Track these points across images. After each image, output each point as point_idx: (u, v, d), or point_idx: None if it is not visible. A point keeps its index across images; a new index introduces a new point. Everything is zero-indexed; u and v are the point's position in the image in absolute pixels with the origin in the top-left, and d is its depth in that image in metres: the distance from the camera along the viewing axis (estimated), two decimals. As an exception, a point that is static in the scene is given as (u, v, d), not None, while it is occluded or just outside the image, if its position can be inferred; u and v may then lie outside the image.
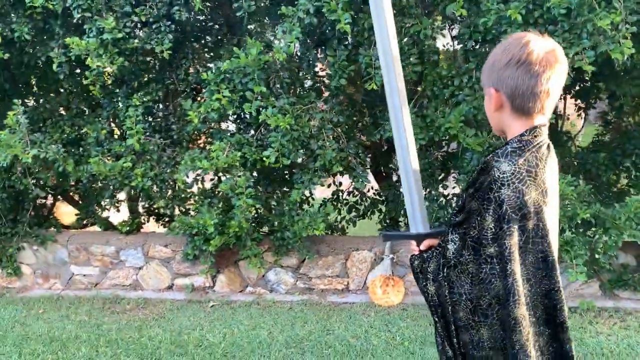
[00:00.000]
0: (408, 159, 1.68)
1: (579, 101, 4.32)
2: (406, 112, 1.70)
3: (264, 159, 3.21)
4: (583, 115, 4.46)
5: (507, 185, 1.37)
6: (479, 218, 1.41)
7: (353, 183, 4.00)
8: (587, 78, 2.88)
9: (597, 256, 3.34)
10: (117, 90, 3.64)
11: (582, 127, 4.54)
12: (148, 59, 3.59)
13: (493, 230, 1.40)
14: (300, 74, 3.59)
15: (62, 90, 3.95)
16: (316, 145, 3.31)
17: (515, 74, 1.38)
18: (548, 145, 1.45)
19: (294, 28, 2.93)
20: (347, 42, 3.26)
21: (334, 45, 3.23)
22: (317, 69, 3.67)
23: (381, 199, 4.31)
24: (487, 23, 2.68)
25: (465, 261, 1.47)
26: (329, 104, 3.38)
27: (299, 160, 3.40)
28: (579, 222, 3.23)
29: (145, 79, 3.67)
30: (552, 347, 1.53)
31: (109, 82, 3.58)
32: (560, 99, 4.33)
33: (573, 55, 2.64)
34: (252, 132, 3.46)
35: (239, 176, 3.29)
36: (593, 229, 3.50)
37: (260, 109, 3.20)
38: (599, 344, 3.10)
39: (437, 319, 1.61)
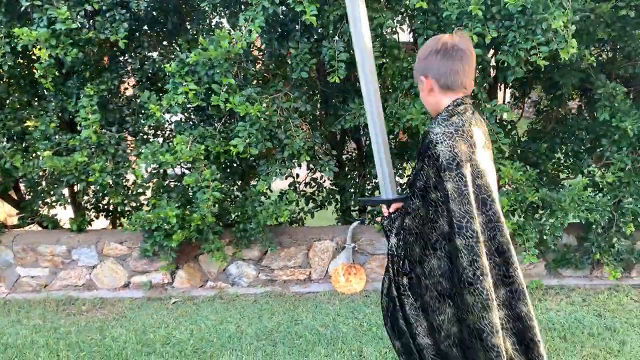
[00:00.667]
0: (381, 137, 2.03)
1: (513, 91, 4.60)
2: (378, 97, 2.02)
3: (231, 148, 3.16)
4: (520, 104, 4.73)
5: (440, 142, 1.73)
6: (422, 172, 1.76)
7: (315, 174, 4.05)
8: (529, 70, 3.07)
9: (544, 237, 3.57)
10: (67, 81, 3.46)
11: (521, 116, 4.80)
12: (104, 46, 3.44)
13: (434, 179, 1.74)
14: (263, 64, 3.57)
15: (1, 81, 3.69)
16: (284, 135, 3.31)
17: (436, 61, 1.79)
18: (473, 112, 1.85)
19: (257, 16, 2.90)
20: (309, 35, 3.27)
21: (297, 38, 3.23)
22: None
23: (337, 189, 4.37)
24: (450, 16, 2.78)
25: (417, 207, 1.80)
26: (294, 93, 3.38)
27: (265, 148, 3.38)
28: (528, 205, 3.44)
29: (98, 69, 3.50)
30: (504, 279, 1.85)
31: (57, 73, 3.39)
32: (500, 89, 4.57)
33: (528, 49, 2.80)
34: (215, 124, 3.40)
35: (203, 169, 3.23)
36: (540, 211, 3.73)
37: (227, 100, 3.15)
38: (550, 319, 3.32)
39: (390, 265, 1.95)
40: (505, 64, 2.96)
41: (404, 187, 3.87)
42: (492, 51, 3.66)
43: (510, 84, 4.42)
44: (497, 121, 3.70)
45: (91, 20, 3.26)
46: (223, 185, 3.56)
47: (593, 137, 3.96)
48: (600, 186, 3.96)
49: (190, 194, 3.50)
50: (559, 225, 3.48)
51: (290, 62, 3.42)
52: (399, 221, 1.93)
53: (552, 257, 3.90)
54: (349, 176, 4.39)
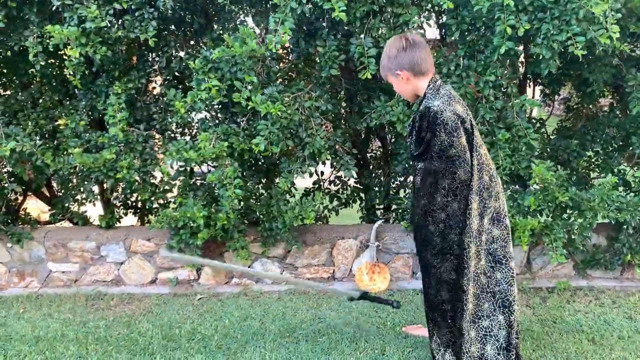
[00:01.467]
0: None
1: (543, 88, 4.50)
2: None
3: (253, 147, 3.19)
4: (549, 101, 4.64)
5: (444, 110, 2.24)
6: (435, 139, 2.24)
7: (339, 172, 4.04)
8: (553, 70, 3.01)
9: (573, 237, 3.50)
10: (96, 80, 3.53)
11: (550, 113, 4.71)
12: (132, 45, 3.50)
13: (447, 140, 2.24)
14: (288, 63, 3.58)
15: (34, 81, 3.78)
16: (305, 134, 3.32)
17: (406, 55, 2.32)
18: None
19: (287, 18, 2.91)
20: (335, 32, 3.27)
21: (324, 35, 3.23)
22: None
23: (361, 187, 4.37)
24: (481, 10, 2.75)
25: (437, 165, 2.29)
26: (317, 92, 3.39)
27: (287, 147, 3.40)
28: (557, 205, 3.38)
29: (126, 67, 3.56)
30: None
31: (87, 72, 3.45)
32: (529, 86, 4.49)
33: (564, 40, 2.75)
34: (239, 121, 3.42)
35: (227, 166, 3.26)
36: (569, 211, 3.66)
37: (249, 98, 3.17)
38: (578, 321, 3.25)
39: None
40: (540, 57, 2.91)
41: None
42: (521, 46, 3.60)
43: (540, 81, 4.35)
44: (527, 118, 3.62)
45: (120, 19, 3.30)
46: (248, 183, 3.59)
47: (624, 134, 3.86)
48: (632, 185, 3.87)
49: (216, 192, 3.54)
50: (588, 225, 3.41)
51: (318, 60, 3.43)
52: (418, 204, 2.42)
53: (580, 257, 3.82)
54: (373, 174, 4.38)
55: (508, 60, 3.17)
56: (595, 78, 3.47)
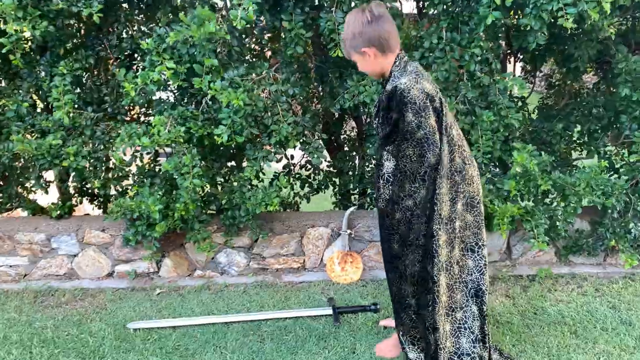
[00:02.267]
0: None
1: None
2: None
3: (215, 137, 2.92)
4: (531, 78, 4.43)
5: (411, 88, 2.06)
6: (402, 118, 2.06)
7: (308, 157, 3.80)
8: (541, 42, 2.78)
9: (557, 224, 3.31)
10: (40, 59, 3.22)
11: (532, 90, 4.49)
12: (74, 22, 3.18)
13: (415, 121, 2.07)
14: (250, 41, 3.30)
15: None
16: (270, 121, 3.06)
17: (371, 30, 2.09)
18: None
19: None
20: (302, 5, 2.98)
21: (290, 9, 2.95)
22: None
23: (334, 171, 4.13)
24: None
25: (404, 148, 2.11)
26: (283, 74, 3.12)
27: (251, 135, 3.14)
28: (539, 191, 3.18)
29: (73, 45, 3.25)
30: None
31: (29, 49, 3.14)
32: (509, 62, 4.26)
33: (554, 10, 2.51)
34: (199, 103, 3.15)
35: (184, 154, 3.00)
36: (551, 195, 3.47)
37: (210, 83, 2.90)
38: (560, 312, 3.08)
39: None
40: (528, 28, 2.67)
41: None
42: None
43: (522, 57, 4.12)
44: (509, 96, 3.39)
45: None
46: (210, 170, 3.33)
47: (611, 114, 3.66)
48: (617, 167, 3.69)
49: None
50: (572, 211, 3.21)
51: (283, 37, 3.15)
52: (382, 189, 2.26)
53: (562, 243, 3.64)
54: (347, 157, 4.14)
55: (495, 31, 2.92)
56: (580, 54, 3.25)
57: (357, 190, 4.11)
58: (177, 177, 2.98)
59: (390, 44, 2.13)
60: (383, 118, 2.19)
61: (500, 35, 3.02)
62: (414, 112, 2.05)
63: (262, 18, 3.15)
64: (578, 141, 3.95)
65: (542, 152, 3.11)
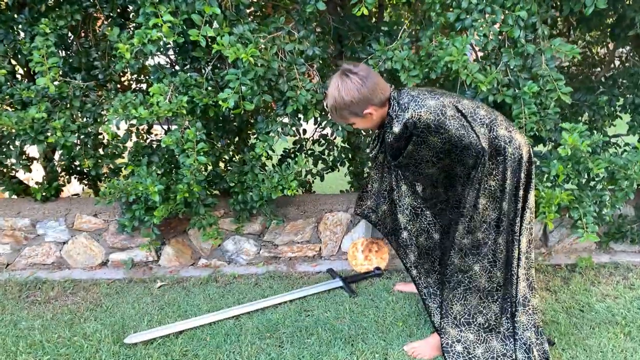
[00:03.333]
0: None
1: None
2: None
3: (220, 103, 2.51)
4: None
5: (418, 118, 2.04)
6: (425, 146, 2.11)
7: (324, 129, 3.41)
8: (602, 6, 2.39)
9: (604, 210, 2.96)
10: (17, 17, 2.76)
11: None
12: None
13: (440, 145, 2.09)
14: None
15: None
16: (286, 86, 2.64)
17: (367, 90, 2.05)
18: None
19: None
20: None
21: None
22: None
23: (349, 147, 3.73)
24: None
25: (447, 164, 2.18)
26: (300, 32, 2.69)
27: (263, 103, 2.73)
28: (589, 176, 2.83)
29: (55, 0, 2.79)
30: None
31: (5, 5, 2.68)
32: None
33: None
34: (202, 69, 2.73)
35: (187, 127, 2.59)
36: (597, 178, 3.12)
37: (212, 38, 2.47)
38: (609, 309, 2.76)
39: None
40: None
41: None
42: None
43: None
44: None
45: None
46: (215, 146, 2.93)
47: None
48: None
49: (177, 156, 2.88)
50: (623, 197, 2.87)
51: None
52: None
53: (604, 229, 3.32)
54: (363, 132, 3.74)
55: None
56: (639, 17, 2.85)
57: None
58: (178, 153, 2.58)
59: (385, 95, 2.11)
60: (398, 152, 2.20)
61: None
62: (433, 134, 2.07)
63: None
64: (617, 114, 3.59)
65: (595, 132, 2.75)
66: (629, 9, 2.88)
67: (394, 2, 2.71)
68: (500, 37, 2.68)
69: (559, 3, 2.69)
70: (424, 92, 2.12)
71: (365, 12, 2.49)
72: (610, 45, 4.13)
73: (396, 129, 2.09)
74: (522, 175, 2.18)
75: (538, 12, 2.52)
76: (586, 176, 2.85)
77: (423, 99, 2.07)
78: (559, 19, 3.62)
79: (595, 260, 3.26)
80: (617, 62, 3.73)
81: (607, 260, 3.29)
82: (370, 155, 2.48)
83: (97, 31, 2.90)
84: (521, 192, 2.19)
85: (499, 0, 2.52)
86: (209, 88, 2.66)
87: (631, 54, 3.54)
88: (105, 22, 2.84)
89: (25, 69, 3.04)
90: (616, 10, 3.03)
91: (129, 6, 2.88)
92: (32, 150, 3.39)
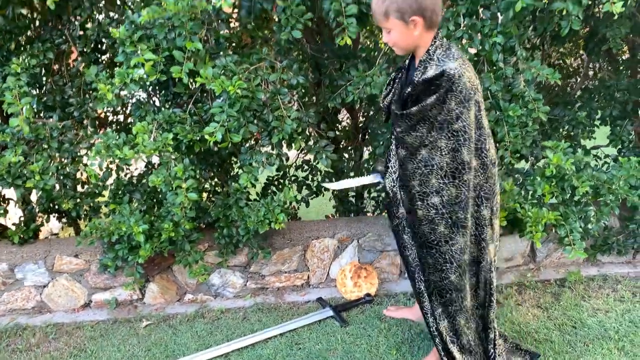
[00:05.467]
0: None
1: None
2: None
3: (207, 137, 2.46)
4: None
5: (461, 75, 1.84)
6: (442, 106, 1.86)
7: (306, 155, 3.38)
8: (576, 28, 2.42)
9: (589, 226, 2.97)
10: (-13, 57, 2.69)
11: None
12: (27, 11, 2.65)
13: (457, 111, 1.87)
14: (240, 24, 2.81)
15: None
16: (271, 116, 2.61)
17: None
18: None
19: None
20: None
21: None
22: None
23: (332, 171, 3.71)
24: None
25: (435, 139, 1.91)
26: (283, 62, 2.66)
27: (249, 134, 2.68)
28: (574, 192, 2.83)
29: (27, 39, 2.73)
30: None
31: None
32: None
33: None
34: (184, 104, 2.69)
35: (175, 165, 2.53)
36: (580, 193, 3.14)
37: (193, 72, 2.43)
38: (602, 324, 2.77)
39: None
40: (564, 12, 2.29)
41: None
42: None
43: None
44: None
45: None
46: (199, 180, 2.87)
47: (635, 98, 3.34)
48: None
49: (160, 192, 2.82)
50: (608, 211, 2.89)
51: (276, 19, 2.69)
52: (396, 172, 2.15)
53: (590, 242, 3.33)
54: (345, 155, 3.73)
55: (523, 16, 2.52)
56: (613, 34, 2.89)
57: (356, 192, 3.70)
58: (168, 192, 2.52)
59: (437, 19, 1.89)
60: (414, 103, 1.93)
61: (527, 19, 2.62)
62: (457, 101, 1.86)
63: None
64: (595, 129, 3.62)
65: (579, 149, 2.77)
66: (600, 25, 2.92)
67: (370, 29, 2.69)
68: (476, 59, 2.70)
69: (535, 23, 2.71)
70: (470, 64, 1.95)
71: (349, 41, 2.47)
72: (585, 57, 4.20)
73: (431, 72, 1.87)
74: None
75: (516, 36, 2.53)
76: (573, 194, 2.85)
77: (468, 66, 1.90)
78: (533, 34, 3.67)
79: (584, 274, 3.27)
80: (591, 73, 3.78)
81: (595, 272, 3.30)
82: (382, 104, 2.21)
83: (71, 66, 2.83)
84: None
85: (476, 27, 2.54)
86: (192, 123, 2.61)
87: (605, 66, 3.59)
88: (79, 58, 2.78)
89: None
90: (588, 25, 3.07)
91: (103, 40, 2.83)
92: (8, 191, 3.30)
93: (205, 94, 2.64)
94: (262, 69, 2.61)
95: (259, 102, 2.54)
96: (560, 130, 3.46)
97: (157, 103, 2.91)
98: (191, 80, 2.43)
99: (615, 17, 2.23)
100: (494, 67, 2.66)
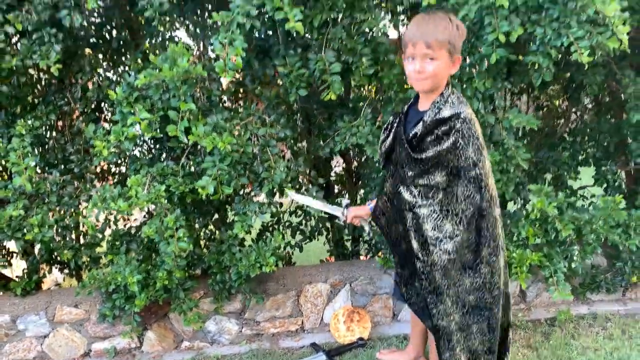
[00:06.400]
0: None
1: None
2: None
3: (199, 190, 2.59)
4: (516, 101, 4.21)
5: (475, 122, 1.93)
6: (459, 151, 1.90)
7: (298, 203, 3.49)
8: (548, 79, 2.55)
9: (573, 265, 3.05)
10: (-6, 119, 2.86)
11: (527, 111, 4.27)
12: (32, 76, 2.83)
13: (474, 157, 1.91)
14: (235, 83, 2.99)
15: None
16: (261, 168, 2.74)
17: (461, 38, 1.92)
18: None
19: (236, 37, 2.30)
20: (295, 45, 2.70)
21: (282, 52, 2.67)
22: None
23: (326, 216, 3.81)
24: (468, 15, 2.22)
25: (453, 185, 1.95)
26: (271, 117, 2.82)
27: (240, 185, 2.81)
28: (557, 234, 2.92)
29: (31, 102, 2.90)
30: None
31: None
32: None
33: (564, 45, 2.27)
34: (177, 157, 2.83)
35: (165, 216, 2.65)
36: (564, 234, 3.22)
37: (188, 129, 2.58)
38: (591, 363, 2.81)
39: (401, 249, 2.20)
40: (536, 65, 2.43)
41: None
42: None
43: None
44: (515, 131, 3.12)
45: (16, 45, 2.64)
46: (193, 229, 2.99)
47: (617, 140, 3.45)
48: (627, 194, 3.48)
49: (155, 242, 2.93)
50: (591, 250, 2.97)
51: (280, 83, 2.87)
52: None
53: (579, 280, 3.39)
54: (338, 200, 3.83)
55: (499, 68, 2.67)
56: (589, 81, 3.03)
57: (351, 236, 3.79)
58: (159, 241, 2.64)
59: (456, 67, 2.00)
60: (419, 143, 1.97)
61: (504, 70, 2.77)
62: (475, 148, 1.92)
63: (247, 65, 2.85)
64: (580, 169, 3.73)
65: (558, 192, 2.87)
66: (576, 73, 3.06)
67: (358, 83, 2.85)
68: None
69: (510, 75, 2.85)
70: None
71: (334, 97, 2.63)
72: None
73: (447, 112, 1.91)
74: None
75: (492, 86, 2.67)
76: (556, 236, 2.94)
77: (474, 116, 1.99)
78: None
79: (574, 312, 3.31)
80: (576, 115, 3.90)
81: (585, 311, 3.34)
82: (380, 150, 2.23)
83: (73, 125, 2.99)
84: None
85: (456, 75, 2.68)
86: (185, 176, 2.74)
87: (586, 109, 3.72)
88: (80, 118, 2.94)
89: (1, 167, 3.11)
90: (567, 72, 3.21)
91: (104, 101, 3.00)
92: (12, 244, 3.42)
93: (198, 147, 2.78)
94: (251, 123, 2.76)
95: (249, 155, 2.68)
96: (546, 172, 3.57)
97: (152, 156, 3.05)
98: (183, 137, 2.57)
99: (586, 66, 2.37)
100: (478, 115, 2.79)
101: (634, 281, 3.24)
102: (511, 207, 3.47)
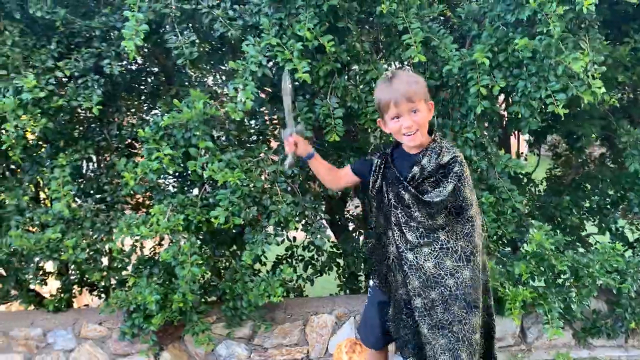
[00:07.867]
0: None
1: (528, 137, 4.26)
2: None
3: (212, 220, 2.87)
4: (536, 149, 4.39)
5: (465, 164, 2.08)
6: (457, 192, 2.02)
7: (310, 238, 3.72)
8: (534, 128, 2.75)
9: (571, 306, 3.16)
10: (40, 152, 3.23)
11: (537, 163, 4.43)
12: (75, 115, 3.22)
13: (469, 197, 2.05)
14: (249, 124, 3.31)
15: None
16: (269, 201, 3.01)
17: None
18: None
19: (248, 83, 2.63)
20: (303, 92, 3.01)
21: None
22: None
23: (339, 251, 4.03)
24: (451, 71, 2.48)
25: (451, 223, 2.06)
26: (281, 155, 3.10)
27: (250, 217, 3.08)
28: (553, 272, 3.06)
29: (73, 137, 3.27)
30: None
31: (31, 143, 3.16)
32: (513, 135, 4.22)
33: (542, 97, 2.49)
34: (196, 190, 3.12)
35: (183, 242, 2.93)
36: (563, 276, 3.34)
37: (205, 165, 2.88)
38: (587, 407, 2.88)
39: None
40: (519, 115, 2.65)
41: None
42: (501, 98, 3.36)
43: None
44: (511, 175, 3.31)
45: (63, 88, 3.03)
46: (206, 257, 3.25)
47: (619, 188, 3.58)
48: (630, 242, 3.57)
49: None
50: (587, 293, 3.08)
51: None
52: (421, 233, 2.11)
53: (580, 325, 3.47)
54: (351, 237, 4.06)
55: (486, 118, 2.90)
56: (584, 131, 3.21)
57: (363, 272, 3.99)
58: (175, 265, 2.91)
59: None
60: (427, 186, 2.06)
61: (494, 119, 2.99)
62: (470, 188, 2.07)
63: (263, 109, 3.16)
64: (588, 218, 3.85)
65: (557, 231, 3.02)
66: (571, 124, 3.25)
67: (364, 126, 3.11)
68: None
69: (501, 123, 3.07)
70: None
71: (337, 138, 2.90)
72: (591, 148, 4.49)
73: (446, 157, 2.03)
74: None
75: (483, 135, 2.89)
76: (552, 274, 3.07)
77: None
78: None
79: (574, 356, 3.38)
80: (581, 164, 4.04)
81: (586, 355, 3.41)
82: (371, 191, 2.27)
83: (107, 159, 3.35)
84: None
85: (448, 125, 2.92)
86: (202, 206, 3.03)
87: (589, 159, 3.87)
88: (115, 153, 3.29)
89: (45, 194, 3.48)
90: (564, 125, 3.40)
91: (136, 139, 3.35)
92: (49, 265, 3.75)
93: (215, 181, 3.07)
94: (262, 160, 3.04)
95: (258, 189, 2.95)
96: (551, 217, 3.71)
97: (174, 187, 3.36)
98: (201, 172, 2.86)
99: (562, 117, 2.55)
100: (470, 162, 3.00)
101: (633, 327, 3.30)
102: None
